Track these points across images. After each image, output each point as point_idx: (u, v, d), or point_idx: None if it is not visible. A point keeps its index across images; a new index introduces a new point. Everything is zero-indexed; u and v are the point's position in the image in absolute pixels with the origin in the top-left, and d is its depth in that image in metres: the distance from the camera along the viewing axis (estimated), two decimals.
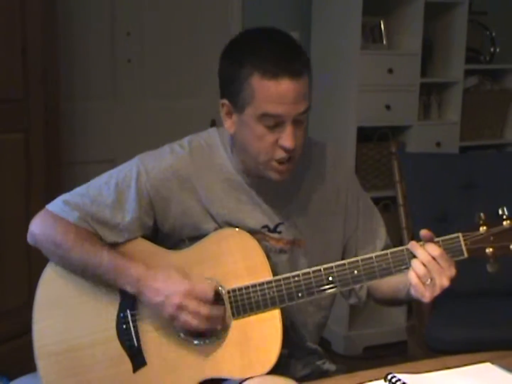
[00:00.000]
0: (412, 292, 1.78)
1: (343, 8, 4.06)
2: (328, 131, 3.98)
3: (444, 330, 3.01)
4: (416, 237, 3.16)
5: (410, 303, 3.22)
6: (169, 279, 1.83)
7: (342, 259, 1.99)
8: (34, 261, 3.35)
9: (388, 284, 1.98)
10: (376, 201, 4.13)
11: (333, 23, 4.08)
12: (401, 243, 3.33)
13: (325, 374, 2.07)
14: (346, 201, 2.07)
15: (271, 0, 4.29)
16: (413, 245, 1.80)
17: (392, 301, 2.09)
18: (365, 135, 4.18)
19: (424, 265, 1.76)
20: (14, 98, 3.33)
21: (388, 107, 4.09)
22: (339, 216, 2.06)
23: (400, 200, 3.36)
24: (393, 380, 1.68)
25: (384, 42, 4.25)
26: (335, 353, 4.14)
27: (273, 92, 1.77)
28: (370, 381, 1.72)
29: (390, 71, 4.06)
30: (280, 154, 1.83)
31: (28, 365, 2.81)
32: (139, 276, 1.84)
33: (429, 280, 1.75)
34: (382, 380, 1.70)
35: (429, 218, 3.35)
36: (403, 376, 1.70)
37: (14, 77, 3.30)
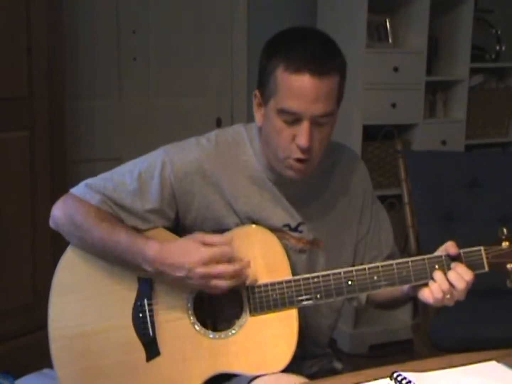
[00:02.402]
0: (427, 300, 1.83)
1: (349, 6, 4.06)
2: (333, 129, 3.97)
3: (449, 328, 3.00)
4: (421, 236, 3.16)
5: (415, 302, 3.21)
6: (186, 251, 1.81)
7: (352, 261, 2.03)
8: (40, 259, 3.38)
9: None
10: (381, 199, 4.12)
11: (339, 21, 4.08)
12: (406, 241, 3.34)
13: (332, 372, 2.08)
14: (362, 204, 2.08)
15: None
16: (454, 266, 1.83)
17: (388, 302, 2.08)
18: (370, 133, 4.18)
19: (450, 283, 1.80)
20: (19, 96, 3.34)
21: (393, 105, 4.09)
22: (355, 218, 2.07)
23: (406, 199, 3.35)
24: (399, 378, 1.68)
25: (390, 40, 4.24)
26: (341, 351, 4.13)
27: (292, 86, 1.77)
28: (376, 379, 1.72)
29: (396, 69, 4.06)
30: (296, 153, 1.83)
31: (33, 364, 2.83)
32: (155, 255, 1.82)
33: (449, 295, 1.80)
34: (388, 379, 1.70)
35: (434, 216, 3.35)
36: (409, 375, 1.69)
37: (20, 75, 3.31)
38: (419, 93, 4.19)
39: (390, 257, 2.09)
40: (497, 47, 4.56)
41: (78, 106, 3.87)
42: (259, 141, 1.96)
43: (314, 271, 1.96)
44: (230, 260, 1.81)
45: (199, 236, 1.85)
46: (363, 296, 2.08)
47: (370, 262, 2.04)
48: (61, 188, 3.32)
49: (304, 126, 1.79)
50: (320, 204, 2.01)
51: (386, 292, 1.96)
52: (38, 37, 3.33)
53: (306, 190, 1.98)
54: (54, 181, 3.45)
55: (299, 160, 1.84)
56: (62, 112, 3.53)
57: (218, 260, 1.80)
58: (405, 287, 1.89)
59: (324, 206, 2.01)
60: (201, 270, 1.79)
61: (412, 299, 1.94)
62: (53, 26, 3.41)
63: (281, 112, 1.79)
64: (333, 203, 2.03)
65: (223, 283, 1.80)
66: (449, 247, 1.84)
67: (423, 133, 4.24)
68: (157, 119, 4.14)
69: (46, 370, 2.78)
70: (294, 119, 1.80)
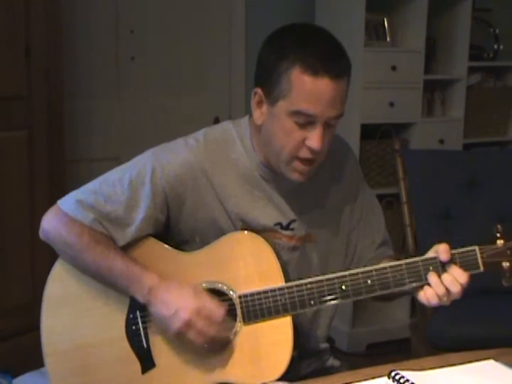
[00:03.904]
0: (423, 301, 1.82)
1: (347, 5, 4.06)
2: None
3: (447, 327, 3.01)
4: (419, 235, 3.16)
5: (413, 301, 3.22)
6: (181, 294, 1.79)
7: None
8: (38, 259, 3.38)
9: None
10: (379, 198, 4.11)
11: (337, 20, 4.08)
12: (404, 240, 3.34)
13: (329, 370, 2.07)
14: (355, 193, 2.06)
15: None
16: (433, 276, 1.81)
17: (383, 295, 2.05)
18: (368, 132, 4.18)
19: (446, 287, 1.78)
20: (17, 95, 3.34)
21: (391, 104, 4.09)
22: (347, 207, 2.05)
23: (404, 197, 3.36)
24: (397, 377, 1.68)
25: (388, 39, 4.25)
26: (339, 350, 4.13)
27: (310, 89, 1.74)
28: (374, 378, 1.72)
29: (394, 68, 4.06)
30: (305, 153, 1.80)
31: (31, 363, 2.82)
32: (152, 286, 1.81)
33: (445, 298, 1.79)
34: (386, 377, 1.70)
35: (432, 215, 3.35)
36: (406, 373, 1.69)
37: (18, 75, 3.31)
38: (417, 92, 4.19)
39: (383, 244, 2.08)
40: (495, 46, 4.56)
41: (76, 105, 3.87)
42: (254, 139, 1.93)
43: (308, 266, 1.96)
44: (216, 323, 1.79)
45: (198, 288, 1.83)
46: None
47: (362, 252, 2.06)
48: (59, 188, 3.34)
49: (318, 129, 1.77)
50: (312, 196, 1.99)
51: None
52: (37, 36, 3.33)
53: (300, 187, 1.95)
54: (53, 181, 3.45)
55: (305, 161, 1.82)
56: (61, 112, 3.53)
57: (206, 315, 1.78)
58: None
59: (316, 198, 2.00)
60: (187, 315, 1.77)
61: (410, 293, 1.91)
62: (52, 26, 3.41)
63: (295, 113, 1.76)
64: (325, 194, 2.01)
65: (198, 340, 1.79)
66: (440, 252, 1.80)
67: (421, 132, 4.24)
68: (155, 119, 4.14)
69: (44, 369, 2.78)
70: (307, 121, 1.77)
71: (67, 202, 1.91)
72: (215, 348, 1.82)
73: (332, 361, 2.11)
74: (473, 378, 1.74)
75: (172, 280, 1.83)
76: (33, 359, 2.49)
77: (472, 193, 3.44)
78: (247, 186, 1.92)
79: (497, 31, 4.55)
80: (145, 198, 1.87)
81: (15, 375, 3.07)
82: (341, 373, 1.94)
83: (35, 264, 3.42)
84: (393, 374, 1.69)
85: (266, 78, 1.81)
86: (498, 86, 4.62)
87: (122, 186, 1.89)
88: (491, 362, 1.83)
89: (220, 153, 1.92)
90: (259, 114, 1.86)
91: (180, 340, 1.83)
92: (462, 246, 1.83)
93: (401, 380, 1.67)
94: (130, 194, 1.88)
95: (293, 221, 1.95)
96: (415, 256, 1.84)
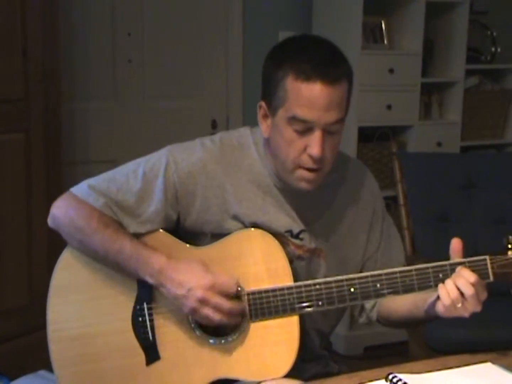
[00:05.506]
0: (441, 310, 1.78)
1: (344, 8, 4.06)
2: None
3: (444, 330, 3.00)
4: (416, 237, 3.15)
5: None
6: (191, 272, 1.80)
7: None
8: (35, 262, 3.38)
9: (405, 301, 1.94)
10: None
11: (334, 23, 4.08)
12: (402, 243, 3.34)
13: (328, 374, 2.06)
14: (371, 220, 2.05)
15: (271, 0, 4.30)
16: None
17: (407, 321, 2.03)
18: (365, 135, 4.18)
19: (458, 288, 1.76)
20: (14, 98, 3.33)
21: (389, 107, 4.09)
22: (363, 233, 2.04)
23: (401, 200, 3.36)
24: (394, 380, 1.68)
25: (385, 42, 4.25)
26: (336, 353, 4.13)
27: (304, 95, 1.75)
28: (371, 381, 1.72)
29: (391, 71, 4.06)
30: (307, 162, 1.81)
31: (28, 366, 2.82)
32: (161, 267, 1.81)
33: (460, 304, 1.76)
34: (383, 380, 1.70)
35: (429, 218, 3.35)
36: (404, 376, 1.70)
37: (15, 77, 3.30)
38: (414, 94, 4.19)
39: None
40: (492, 49, 4.56)
41: (73, 108, 3.87)
42: (266, 149, 1.93)
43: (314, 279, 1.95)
44: (229, 298, 1.79)
45: (207, 263, 1.83)
46: (373, 314, 2.07)
47: None
48: (56, 190, 3.32)
49: (317, 135, 1.78)
50: (325, 215, 1.98)
51: (404, 310, 1.95)
52: (34, 39, 3.33)
53: (312, 200, 1.95)
54: (50, 183, 3.45)
55: (310, 170, 1.82)
56: (58, 114, 3.52)
57: (218, 290, 1.78)
58: (426, 307, 1.86)
59: (330, 217, 1.99)
60: (199, 293, 1.77)
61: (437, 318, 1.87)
62: (49, 28, 3.40)
63: (292, 120, 1.77)
64: (340, 215, 2.00)
65: (214, 316, 1.78)
66: (452, 252, 1.82)
67: (419, 135, 4.24)
68: (152, 121, 4.13)
69: (41, 372, 2.78)
70: (305, 128, 1.78)
71: (79, 187, 1.94)
72: (232, 324, 1.82)
73: (331, 366, 2.11)
74: (471, 381, 1.74)
75: (180, 259, 1.84)
76: (29, 362, 2.50)
77: (469, 196, 3.44)
78: (260, 192, 1.93)
79: (494, 33, 4.55)
80: (157, 191, 1.89)
81: (12, 378, 3.07)
82: (339, 376, 1.94)
83: (31, 267, 3.41)
84: (390, 377, 1.70)
85: (267, 90, 1.84)
86: (495, 88, 4.62)
87: (135, 178, 1.91)
88: (488, 365, 1.83)
89: (235, 157, 1.94)
90: (265, 127, 1.88)
91: (192, 322, 1.84)
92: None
93: (399, 383, 1.67)
94: (142, 185, 1.90)
95: (303, 231, 1.95)
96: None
